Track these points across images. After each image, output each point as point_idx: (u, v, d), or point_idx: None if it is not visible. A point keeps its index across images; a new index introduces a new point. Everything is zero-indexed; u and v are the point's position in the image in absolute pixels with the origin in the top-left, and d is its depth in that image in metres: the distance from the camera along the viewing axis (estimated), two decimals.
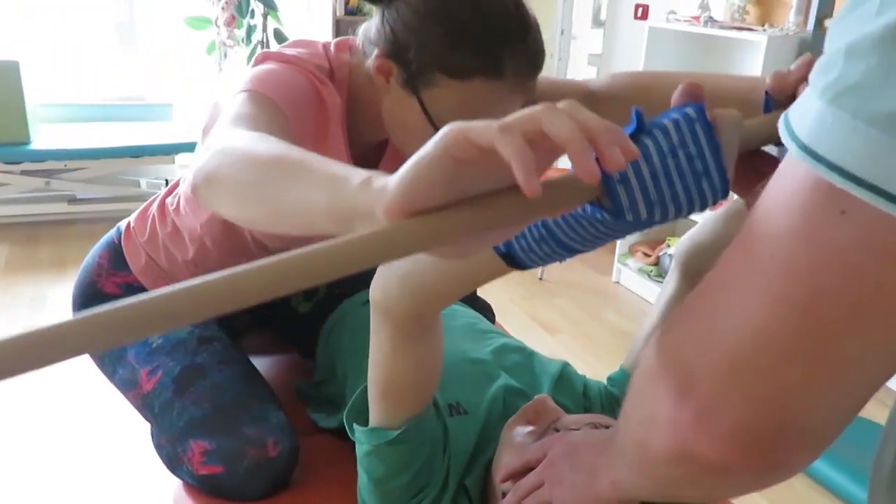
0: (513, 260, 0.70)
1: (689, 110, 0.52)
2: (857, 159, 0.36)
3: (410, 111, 1.02)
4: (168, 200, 1.24)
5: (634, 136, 0.53)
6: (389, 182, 0.44)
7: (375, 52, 1.02)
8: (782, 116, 0.42)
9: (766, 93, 0.70)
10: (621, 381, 1.07)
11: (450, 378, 1.01)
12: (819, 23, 2.68)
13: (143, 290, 1.27)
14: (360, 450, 0.91)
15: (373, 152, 1.17)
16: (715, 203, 0.58)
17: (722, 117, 0.51)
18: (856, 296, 0.37)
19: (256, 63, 1.03)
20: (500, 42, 0.98)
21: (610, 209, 0.50)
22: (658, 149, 0.52)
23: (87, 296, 1.29)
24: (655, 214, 0.52)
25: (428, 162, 0.41)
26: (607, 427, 0.84)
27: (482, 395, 1.00)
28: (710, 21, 3.01)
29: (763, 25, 2.91)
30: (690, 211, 0.55)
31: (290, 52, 1.05)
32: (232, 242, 1.18)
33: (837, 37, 0.39)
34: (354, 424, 0.91)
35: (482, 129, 0.40)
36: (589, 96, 1.12)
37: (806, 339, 0.39)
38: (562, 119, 0.40)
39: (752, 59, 2.98)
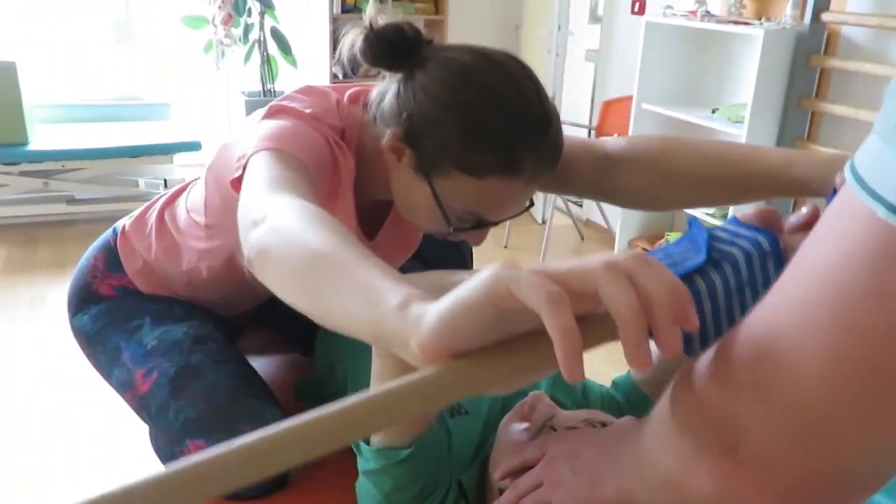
0: None
1: (763, 241, 0.49)
2: None
3: (420, 192, 0.99)
4: (167, 215, 1.23)
5: (702, 270, 0.49)
6: (427, 315, 0.43)
7: (389, 131, 0.98)
8: (847, 166, 0.40)
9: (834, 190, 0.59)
10: (626, 386, 1.07)
11: None
12: (815, 16, 2.68)
13: (137, 292, 1.27)
14: (366, 466, 0.89)
15: (378, 208, 1.16)
16: None
17: (795, 248, 0.45)
18: None
19: (270, 115, 0.99)
20: (521, 142, 0.93)
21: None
22: (725, 286, 0.49)
23: (83, 298, 1.28)
24: (710, 346, 0.48)
25: (469, 306, 0.41)
26: (604, 424, 0.84)
27: (482, 395, 1.00)
28: (707, 15, 3.00)
29: (760, 19, 2.91)
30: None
31: (303, 105, 1.00)
32: (229, 277, 1.19)
33: None
34: (361, 443, 0.89)
35: (529, 286, 0.38)
36: (603, 159, 1.05)
37: (873, 398, 0.38)
38: (619, 287, 0.38)
39: (750, 53, 2.98)
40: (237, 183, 0.88)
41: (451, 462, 0.92)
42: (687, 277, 0.50)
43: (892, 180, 0.36)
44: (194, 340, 1.18)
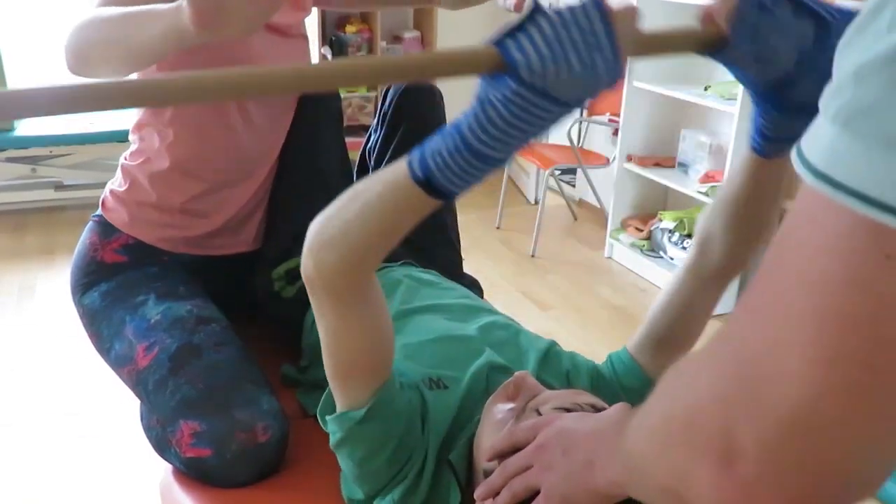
0: (432, 186, 0.75)
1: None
2: (880, 184, 0.34)
3: None
4: (131, 140, 1.33)
5: (532, 14, 0.64)
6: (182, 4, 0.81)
7: None
8: (794, 148, 0.41)
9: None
10: (623, 362, 1.05)
11: (433, 354, 1.01)
12: None
13: (140, 245, 1.30)
14: (336, 439, 0.90)
15: None
16: (613, 82, 0.68)
17: (618, 10, 0.64)
18: None
19: None
20: None
21: (506, 69, 0.65)
22: (551, 22, 0.64)
23: (90, 272, 1.30)
24: (549, 72, 0.64)
25: None
26: (593, 407, 0.83)
27: (464, 371, 0.99)
28: None
29: None
30: (591, 82, 0.65)
31: None
32: (208, 113, 1.26)
33: (846, 61, 0.38)
34: (326, 417, 0.91)
35: None
36: None
37: (866, 394, 0.37)
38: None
39: None
40: None
41: (427, 435, 0.91)
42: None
43: (868, 173, 0.35)
44: (198, 320, 1.20)
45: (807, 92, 0.78)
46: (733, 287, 1.12)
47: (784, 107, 0.82)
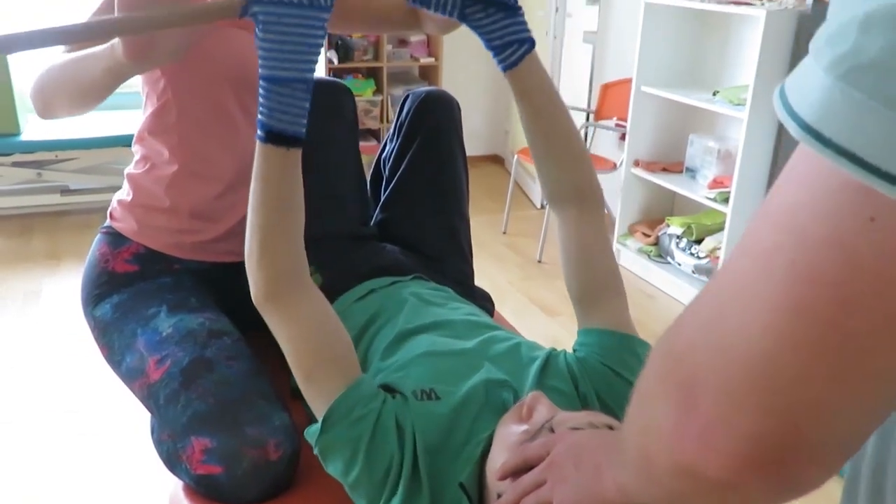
0: (275, 135, 0.91)
1: None
2: (873, 145, 0.32)
3: None
4: (135, 151, 1.36)
5: None
6: (116, 43, 0.97)
7: None
8: (777, 91, 0.38)
9: None
10: (588, 340, 1.06)
11: (428, 367, 1.01)
12: None
13: (151, 253, 1.30)
14: (319, 456, 0.93)
15: None
16: None
17: None
18: (887, 309, 0.34)
19: None
20: None
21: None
22: None
23: (101, 283, 1.30)
24: None
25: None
26: (609, 426, 0.82)
27: (460, 385, 0.98)
28: None
29: (762, 0, 2.86)
30: None
31: None
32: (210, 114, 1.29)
33: (848, 3, 0.35)
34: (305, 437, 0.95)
35: None
36: None
37: (829, 353, 0.36)
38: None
39: (751, 35, 2.94)
40: None
41: (404, 441, 0.90)
42: None
43: (861, 132, 0.33)
44: (210, 333, 1.19)
45: None
46: None
47: (475, 19, 1.05)
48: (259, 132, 0.92)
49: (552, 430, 0.82)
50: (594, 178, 1.14)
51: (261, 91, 0.90)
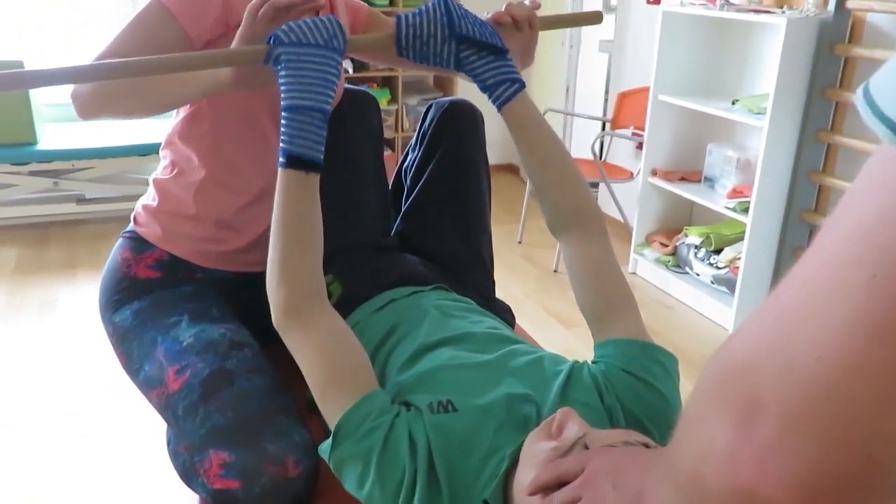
0: (295, 159, 1.01)
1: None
2: None
3: None
4: (162, 157, 1.36)
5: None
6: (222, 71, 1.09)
7: None
8: (860, 90, 0.36)
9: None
10: (607, 352, 1.04)
11: (448, 381, 0.99)
12: (840, 3, 2.60)
13: (174, 260, 1.29)
14: (334, 471, 0.92)
15: None
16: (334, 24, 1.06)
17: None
18: None
19: None
20: None
21: (269, 41, 1.04)
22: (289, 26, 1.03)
23: (122, 289, 1.28)
24: (292, 31, 1.04)
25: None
26: (645, 444, 0.79)
27: (479, 398, 0.96)
28: (727, 4, 2.93)
29: (782, 7, 2.83)
30: (321, 32, 1.03)
31: None
32: (243, 123, 1.31)
33: None
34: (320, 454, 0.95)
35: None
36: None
37: None
38: None
39: (771, 43, 2.91)
40: None
41: (416, 453, 0.88)
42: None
43: None
44: (231, 344, 1.18)
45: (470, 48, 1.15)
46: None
47: (469, 62, 1.16)
48: (280, 159, 1.02)
49: (586, 447, 0.80)
50: (593, 200, 1.19)
51: (282, 122, 1.01)
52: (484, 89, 1.16)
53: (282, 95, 1.02)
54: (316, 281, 1.01)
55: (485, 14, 1.20)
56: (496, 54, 1.15)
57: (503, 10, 1.20)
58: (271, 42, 1.02)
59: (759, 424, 0.38)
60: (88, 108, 1.18)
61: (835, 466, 0.35)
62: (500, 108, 1.15)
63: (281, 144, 1.01)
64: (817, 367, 0.35)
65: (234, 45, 1.08)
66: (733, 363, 0.42)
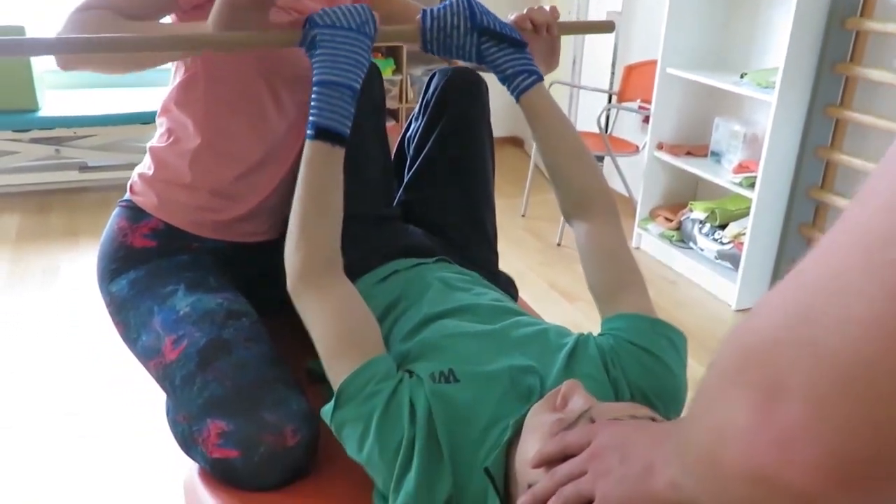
0: (323, 132, 1.05)
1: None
2: None
3: None
4: (158, 124, 1.35)
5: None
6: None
7: None
8: None
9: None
10: (615, 326, 1.03)
11: (449, 350, 0.99)
12: None
13: (170, 229, 1.28)
14: (335, 433, 0.93)
15: None
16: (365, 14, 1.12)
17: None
18: None
19: None
20: None
21: (306, 24, 1.10)
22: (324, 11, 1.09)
23: (118, 258, 1.27)
24: (327, 17, 1.09)
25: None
26: (651, 418, 0.78)
27: (482, 368, 0.95)
28: None
29: None
30: (353, 19, 1.10)
31: None
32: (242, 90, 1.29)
33: None
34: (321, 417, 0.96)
35: None
36: None
37: None
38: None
39: (781, 15, 2.86)
40: None
41: (415, 419, 0.88)
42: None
43: None
44: (228, 314, 1.17)
45: (490, 41, 1.21)
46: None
47: (489, 53, 1.21)
48: (309, 131, 1.05)
49: (592, 420, 0.79)
50: (607, 187, 1.21)
51: (313, 96, 1.06)
52: (503, 80, 1.21)
53: (314, 71, 1.07)
54: (333, 249, 1.04)
55: (508, 17, 1.26)
56: (516, 47, 1.21)
57: (524, 13, 1.25)
58: (307, 25, 1.08)
59: (782, 406, 0.36)
60: (70, 61, 1.15)
61: (863, 449, 0.34)
62: (517, 98, 1.20)
63: (310, 117, 1.05)
64: (842, 345, 0.34)
65: (211, 15, 1.07)
66: (754, 342, 0.40)
